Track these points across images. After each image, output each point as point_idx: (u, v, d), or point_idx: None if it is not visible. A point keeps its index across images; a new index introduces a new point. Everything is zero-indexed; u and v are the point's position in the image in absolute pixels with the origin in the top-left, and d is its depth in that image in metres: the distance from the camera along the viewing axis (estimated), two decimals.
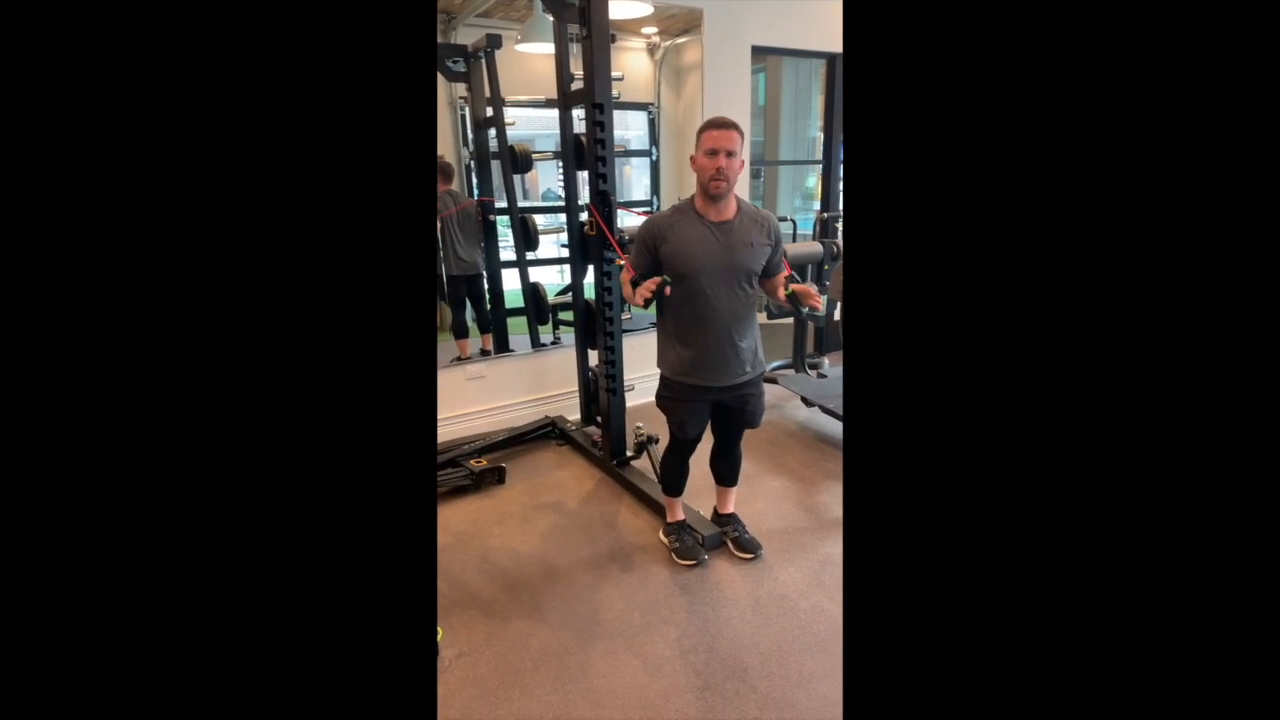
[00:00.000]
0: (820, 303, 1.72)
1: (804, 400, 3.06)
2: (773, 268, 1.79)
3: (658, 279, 1.68)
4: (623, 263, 1.86)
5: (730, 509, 2.15)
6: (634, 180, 4.11)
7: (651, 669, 1.63)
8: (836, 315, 3.05)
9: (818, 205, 4.04)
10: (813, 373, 3.26)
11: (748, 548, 2.06)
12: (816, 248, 2.91)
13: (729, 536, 2.10)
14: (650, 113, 3.79)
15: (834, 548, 2.12)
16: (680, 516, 2.15)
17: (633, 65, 3.66)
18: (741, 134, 1.66)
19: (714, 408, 1.89)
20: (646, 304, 1.68)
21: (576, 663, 1.65)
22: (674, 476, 2.08)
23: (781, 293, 1.71)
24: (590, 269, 2.55)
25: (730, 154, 1.63)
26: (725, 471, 2.09)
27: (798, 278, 1.79)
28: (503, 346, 3.34)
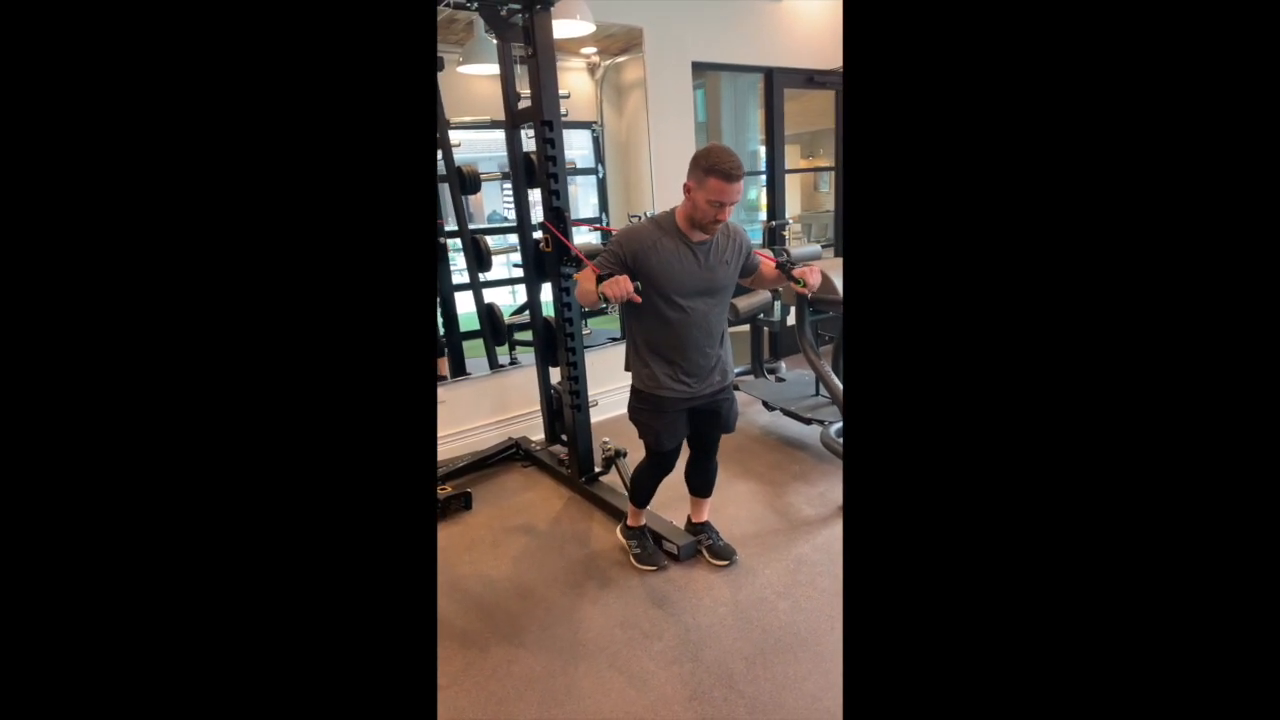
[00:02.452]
0: (818, 279, 1.74)
1: (765, 404, 3.11)
2: (749, 268, 1.83)
3: (633, 283, 1.57)
4: (579, 275, 1.78)
5: (704, 518, 2.15)
6: (581, 198, 4.13)
7: (638, 684, 1.61)
8: (790, 320, 3.12)
9: (764, 215, 4.14)
10: (771, 377, 3.31)
11: (722, 554, 2.06)
12: (814, 248, 2.99)
13: (703, 544, 2.10)
14: (594, 131, 3.82)
15: (806, 548, 2.15)
16: (642, 523, 2.16)
17: (574, 85, 3.69)
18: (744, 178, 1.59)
19: (690, 415, 1.88)
20: (605, 301, 1.57)
21: (561, 685, 1.62)
22: (646, 491, 2.06)
23: (784, 279, 1.76)
24: (547, 286, 2.54)
25: (734, 204, 1.59)
26: (699, 483, 2.09)
27: (788, 262, 1.79)
28: (459, 370, 3.28)
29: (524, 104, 2.41)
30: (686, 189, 1.62)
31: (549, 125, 2.24)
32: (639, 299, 1.58)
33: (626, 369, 1.89)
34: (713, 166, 1.54)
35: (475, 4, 2.26)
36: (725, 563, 2.05)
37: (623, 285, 1.54)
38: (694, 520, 2.16)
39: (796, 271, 1.72)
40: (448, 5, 2.27)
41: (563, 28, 2.48)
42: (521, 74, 2.40)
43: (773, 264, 1.85)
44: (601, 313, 3.72)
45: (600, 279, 1.57)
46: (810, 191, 5.69)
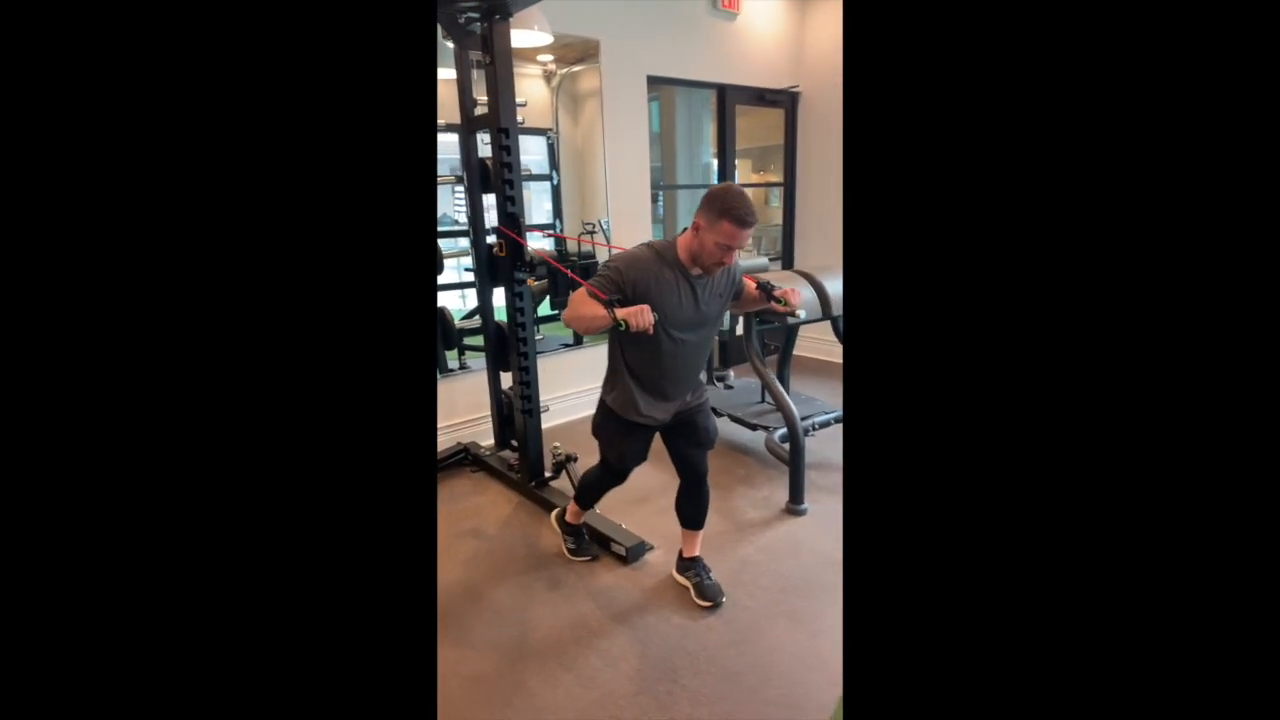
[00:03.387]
0: (799, 299, 1.76)
1: (714, 411, 3.19)
2: (736, 292, 1.80)
3: (651, 313, 1.52)
4: (575, 297, 1.64)
5: (696, 552, 2.01)
6: (535, 204, 4.15)
7: (584, 681, 1.64)
8: (739, 330, 3.21)
9: None
10: (720, 384, 3.40)
11: (708, 595, 1.90)
12: (762, 260, 3.06)
13: (691, 582, 1.97)
14: (549, 138, 3.85)
15: (750, 549, 2.22)
16: (582, 521, 2.19)
17: (531, 91, 3.72)
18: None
19: (664, 433, 1.85)
20: (620, 327, 1.51)
21: (509, 684, 1.64)
22: (592, 496, 2.07)
23: (768, 301, 1.75)
24: (500, 291, 2.56)
25: (741, 249, 1.59)
26: (691, 513, 1.96)
27: (769, 285, 1.78)
28: None
29: (480, 110, 2.43)
30: (696, 226, 1.57)
31: (505, 133, 2.27)
32: (652, 332, 1.53)
33: (603, 385, 1.83)
34: (727, 210, 1.50)
35: (436, 25, 2.28)
36: (709, 605, 1.89)
37: (647, 316, 1.50)
38: (685, 555, 2.01)
39: (778, 293, 1.74)
40: None
41: (521, 38, 2.52)
42: (478, 79, 2.43)
43: (754, 285, 1.82)
44: (554, 319, 3.75)
45: (608, 303, 1.52)
46: (761, 206, 5.85)
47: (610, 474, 1.95)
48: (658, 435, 1.86)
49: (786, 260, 4.71)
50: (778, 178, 4.71)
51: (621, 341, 1.73)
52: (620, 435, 1.82)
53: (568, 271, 1.65)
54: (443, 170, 3.02)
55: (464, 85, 2.48)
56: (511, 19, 2.23)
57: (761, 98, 4.17)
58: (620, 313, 1.50)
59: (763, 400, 3.08)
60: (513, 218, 2.34)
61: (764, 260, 3.33)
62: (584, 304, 1.57)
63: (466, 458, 2.97)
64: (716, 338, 3.46)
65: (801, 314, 2.45)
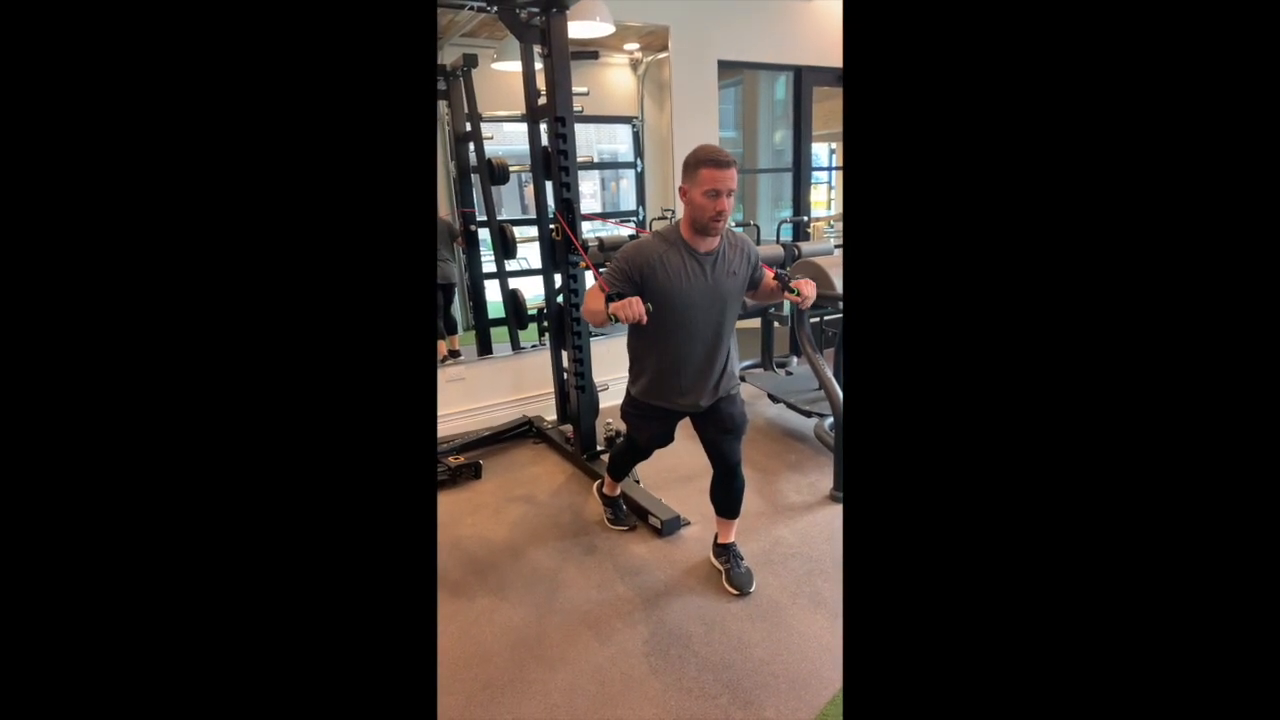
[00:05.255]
0: (813, 291, 1.77)
1: (770, 397, 3.19)
2: (756, 280, 1.82)
3: (644, 304, 1.56)
4: (588, 293, 1.70)
5: (730, 538, 2.02)
6: (622, 192, 4.24)
7: (602, 638, 1.75)
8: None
9: (788, 212, 4.19)
10: (781, 371, 3.39)
11: (738, 584, 1.91)
12: (777, 250, 3.05)
13: (723, 567, 1.99)
14: (635, 126, 3.93)
15: (784, 530, 2.24)
16: (618, 493, 2.30)
17: (617, 80, 3.82)
18: (737, 167, 1.61)
19: (694, 421, 1.88)
20: (615, 321, 1.54)
21: (533, 634, 1.78)
22: (621, 468, 2.21)
23: (786, 295, 1.76)
24: (559, 274, 2.69)
25: (730, 193, 1.60)
26: (724, 502, 1.96)
27: (785, 274, 1.80)
28: (485, 350, 3.49)
29: (543, 100, 2.56)
30: (683, 192, 1.63)
31: (562, 121, 2.38)
32: (646, 320, 1.56)
33: (629, 374, 1.89)
34: (701, 160, 1.59)
35: (495, 7, 2.42)
36: (736, 593, 1.91)
37: (635, 308, 1.53)
38: (720, 541, 2.04)
39: (793, 284, 1.75)
40: (471, 7, 2.44)
41: (582, 29, 2.62)
42: (542, 71, 2.56)
43: (771, 275, 1.83)
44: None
45: (609, 297, 1.56)
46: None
47: (635, 450, 2.06)
48: (690, 424, 1.91)
49: None
50: None
51: (638, 332, 1.76)
52: (643, 420, 1.91)
53: (591, 266, 1.68)
54: (525, 160, 3.18)
55: (528, 77, 2.62)
56: (571, 9, 2.34)
57: (841, 79, 4.04)
58: (611, 307, 1.53)
59: (819, 388, 3.04)
60: (567, 203, 2.46)
61: (828, 244, 3.27)
62: (592, 298, 1.64)
63: (530, 429, 3.15)
64: (776, 324, 3.45)
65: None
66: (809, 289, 1.74)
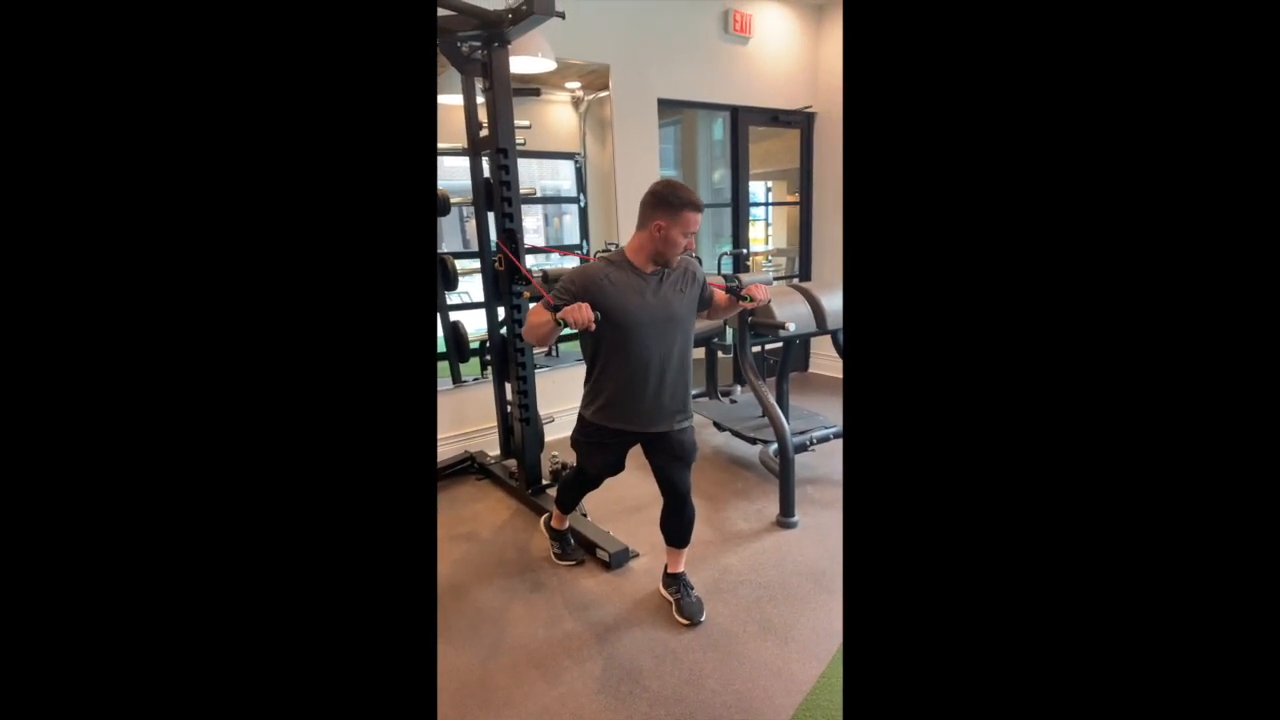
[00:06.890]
0: (765, 292, 1.84)
1: (716, 425, 3.21)
2: (705, 300, 1.85)
3: (592, 311, 1.59)
4: (530, 312, 1.71)
5: (680, 568, 2.01)
6: (566, 228, 4.27)
7: (551, 678, 1.68)
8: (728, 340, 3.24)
9: (728, 246, 4.30)
10: (725, 399, 3.42)
11: (688, 613, 1.90)
12: (720, 280, 3.11)
13: (673, 598, 1.97)
14: (577, 162, 3.98)
15: (733, 558, 2.23)
16: (566, 526, 2.26)
17: (559, 117, 3.87)
18: None
19: (646, 448, 1.87)
20: (563, 326, 1.58)
21: (477, 678, 1.69)
22: (571, 499, 2.17)
23: (738, 303, 1.84)
24: (502, 306, 2.66)
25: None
26: (674, 532, 1.96)
27: (736, 285, 1.85)
28: None
29: (485, 133, 2.57)
30: (658, 226, 1.64)
31: (504, 152, 2.39)
32: (594, 327, 1.60)
33: (582, 401, 1.87)
34: (686, 201, 1.63)
35: (436, 40, 2.43)
36: (686, 623, 1.89)
37: (585, 311, 1.56)
38: (669, 570, 2.02)
39: (744, 291, 1.81)
40: None
41: (524, 64, 2.65)
42: (483, 105, 2.57)
43: (723, 289, 1.87)
44: (574, 338, 3.82)
45: (555, 306, 1.60)
46: (795, 226, 5.86)
47: (585, 479, 2.01)
48: (641, 453, 1.90)
49: (803, 276, 4.71)
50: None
51: (591, 350, 1.77)
52: (593, 445, 1.88)
53: (544, 292, 1.71)
54: (465, 193, 3.17)
55: (470, 110, 2.63)
56: (512, 46, 2.37)
57: (775, 119, 4.23)
58: (561, 312, 1.57)
59: (763, 415, 3.09)
60: (510, 234, 2.45)
61: (766, 275, 3.36)
62: (535, 314, 1.66)
63: (472, 465, 3.07)
64: (720, 353, 3.50)
65: (791, 326, 2.48)
66: (760, 291, 1.81)
